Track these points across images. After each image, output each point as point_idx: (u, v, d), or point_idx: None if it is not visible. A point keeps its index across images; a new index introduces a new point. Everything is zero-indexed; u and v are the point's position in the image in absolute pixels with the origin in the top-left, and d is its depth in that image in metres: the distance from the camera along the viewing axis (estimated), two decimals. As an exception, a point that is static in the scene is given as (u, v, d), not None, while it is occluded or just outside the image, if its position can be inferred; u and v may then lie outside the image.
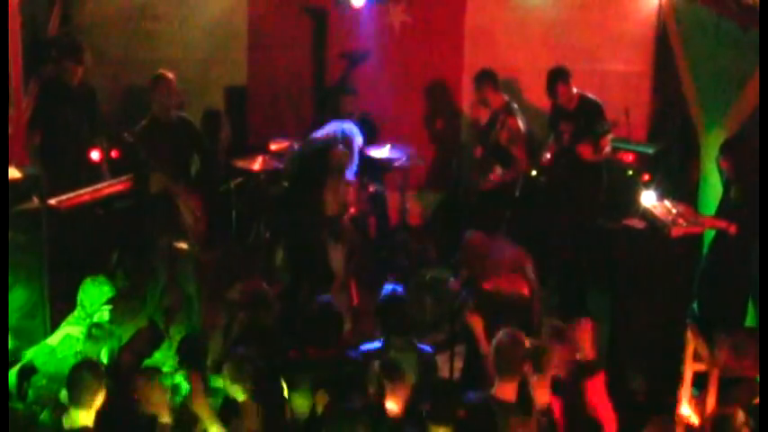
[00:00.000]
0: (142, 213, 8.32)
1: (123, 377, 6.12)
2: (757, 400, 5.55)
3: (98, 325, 6.64)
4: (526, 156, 8.85)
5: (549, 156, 8.91)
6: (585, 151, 8.59)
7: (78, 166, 8.64)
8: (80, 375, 5.39)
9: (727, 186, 7.66)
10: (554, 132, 8.90)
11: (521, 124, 8.81)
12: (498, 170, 8.80)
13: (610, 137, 8.69)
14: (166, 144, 8.23)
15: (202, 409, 5.80)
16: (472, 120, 10.01)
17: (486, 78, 8.89)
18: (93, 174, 8.63)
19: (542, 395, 5.56)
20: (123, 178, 8.35)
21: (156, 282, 8.23)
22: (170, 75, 8.27)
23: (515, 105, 8.93)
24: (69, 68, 8.56)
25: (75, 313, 6.92)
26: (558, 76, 8.63)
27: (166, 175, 8.17)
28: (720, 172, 8.09)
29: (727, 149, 7.56)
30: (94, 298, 6.93)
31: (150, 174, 8.16)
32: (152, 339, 6.95)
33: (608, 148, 8.69)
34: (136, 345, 6.96)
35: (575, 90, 8.70)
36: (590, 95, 8.73)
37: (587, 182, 8.71)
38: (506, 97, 8.93)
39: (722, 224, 7.50)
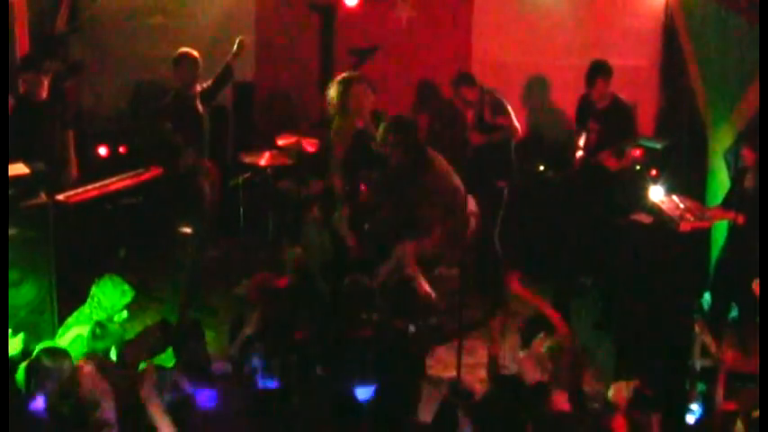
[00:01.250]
0: (163, 199, 8.37)
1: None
2: (757, 413, 5.50)
3: (101, 324, 6.64)
4: (514, 122, 8.75)
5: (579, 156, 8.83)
6: (610, 162, 8.50)
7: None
8: (39, 361, 5.80)
9: (739, 176, 7.59)
10: (581, 128, 8.81)
11: (500, 96, 8.76)
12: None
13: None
14: (191, 117, 8.30)
15: (152, 405, 5.60)
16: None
17: (460, 81, 8.82)
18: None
19: (531, 370, 5.54)
20: (133, 173, 8.37)
21: (176, 278, 8.25)
22: (194, 53, 8.32)
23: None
24: (31, 80, 7.97)
25: (85, 310, 6.92)
26: (599, 70, 8.50)
27: (194, 149, 8.25)
28: (728, 165, 8.07)
29: (752, 137, 7.47)
30: (116, 299, 6.91)
31: (180, 149, 8.18)
32: (163, 337, 6.97)
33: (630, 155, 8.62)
34: (143, 342, 6.98)
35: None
36: (624, 99, 8.61)
37: (606, 183, 8.64)
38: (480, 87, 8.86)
39: (729, 215, 7.48)
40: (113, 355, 6.62)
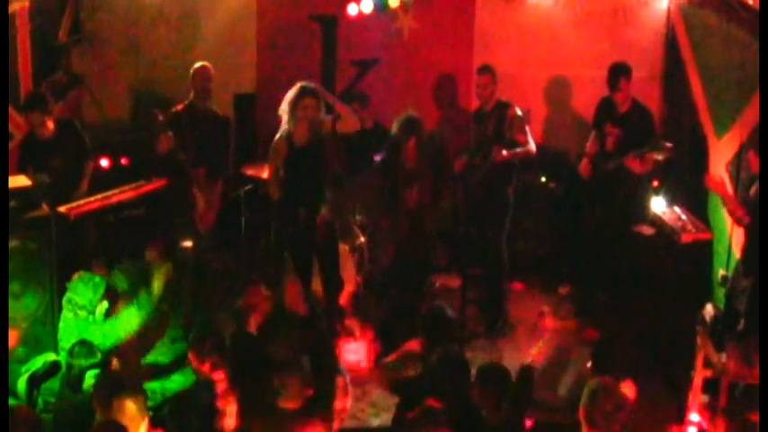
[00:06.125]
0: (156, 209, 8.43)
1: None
2: None
3: (82, 342, 6.60)
4: (531, 143, 8.51)
5: (587, 162, 8.78)
6: (634, 165, 8.41)
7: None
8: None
9: (745, 184, 7.54)
10: (597, 133, 8.76)
11: (518, 111, 8.55)
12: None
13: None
14: (194, 131, 8.59)
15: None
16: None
17: (485, 71, 8.63)
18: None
19: None
20: (134, 185, 8.36)
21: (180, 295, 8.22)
22: (207, 64, 8.75)
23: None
24: (37, 121, 7.98)
25: (67, 316, 6.89)
26: (621, 70, 8.56)
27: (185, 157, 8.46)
28: (731, 176, 8.05)
29: (760, 142, 7.37)
30: (89, 293, 6.88)
31: (159, 134, 8.34)
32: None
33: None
34: (141, 340, 6.97)
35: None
36: (642, 103, 8.60)
37: (628, 188, 8.58)
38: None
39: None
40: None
